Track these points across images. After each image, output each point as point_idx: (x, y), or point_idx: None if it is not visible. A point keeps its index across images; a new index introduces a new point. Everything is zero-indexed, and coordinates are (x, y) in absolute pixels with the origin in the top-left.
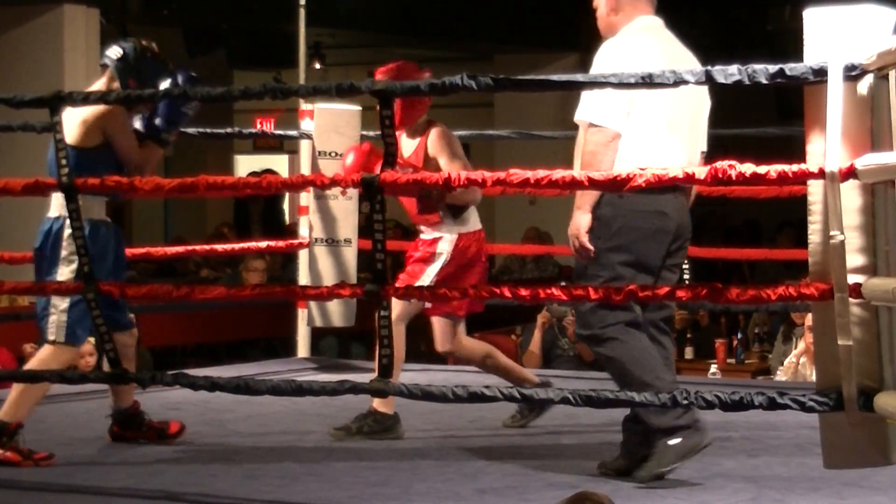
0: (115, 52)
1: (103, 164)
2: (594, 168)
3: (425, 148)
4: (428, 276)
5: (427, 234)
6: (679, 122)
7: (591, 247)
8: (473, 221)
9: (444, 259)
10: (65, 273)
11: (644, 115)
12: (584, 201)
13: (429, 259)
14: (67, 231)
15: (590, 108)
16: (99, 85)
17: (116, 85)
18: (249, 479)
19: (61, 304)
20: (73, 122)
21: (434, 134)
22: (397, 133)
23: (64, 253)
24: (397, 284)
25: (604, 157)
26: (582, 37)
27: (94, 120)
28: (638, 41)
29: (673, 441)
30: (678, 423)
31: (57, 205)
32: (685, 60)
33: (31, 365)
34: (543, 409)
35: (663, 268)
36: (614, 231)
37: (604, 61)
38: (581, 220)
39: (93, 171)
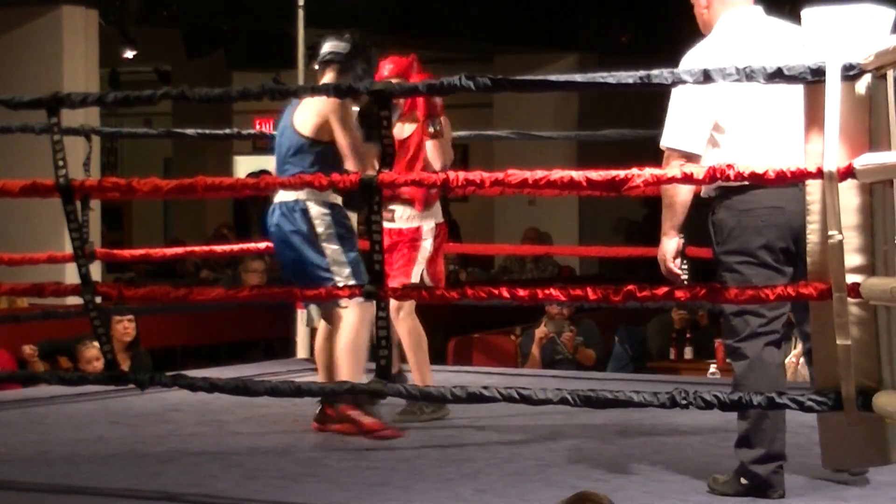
0: (339, 46)
1: (334, 157)
2: (671, 192)
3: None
4: (420, 265)
5: (409, 222)
6: (778, 124)
7: (678, 271)
8: (439, 214)
9: (430, 245)
10: (335, 251)
11: (740, 126)
12: (667, 227)
13: (415, 246)
14: (316, 210)
15: (667, 132)
16: (327, 80)
17: (343, 79)
18: (249, 479)
19: (344, 270)
20: (308, 116)
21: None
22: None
23: (321, 230)
24: (391, 278)
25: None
26: (581, 37)
27: (327, 114)
28: (719, 46)
29: (744, 481)
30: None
31: (282, 191)
32: (779, 52)
33: (345, 335)
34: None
35: (792, 259)
36: (727, 234)
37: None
38: (667, 246)
39: (329, 164)
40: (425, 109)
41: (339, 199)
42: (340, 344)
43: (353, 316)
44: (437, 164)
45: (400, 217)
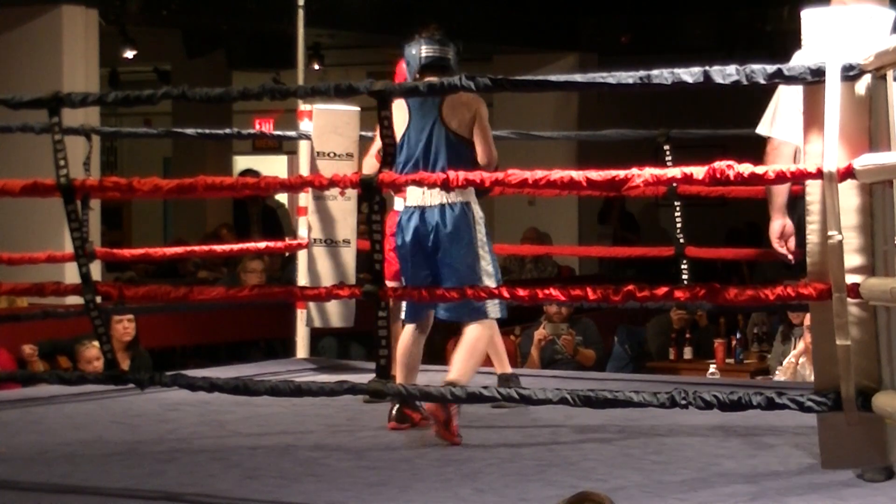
0: (447, 52)
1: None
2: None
3: None
4: None
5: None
6: None
7: (782, 251)
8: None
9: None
10: (485, 255)
11: None
12: (771, 210)
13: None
14: (473, 215)
15: (763, 120)
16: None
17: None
18: (248, 479)
19: (491, 283)
20: (461, 116)
21: None
22: None
23: (479, 236)
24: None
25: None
26: (581, 37)
27: (474, 114)
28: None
29: None
30: None
31: (438, 192)
32: None
33: (475, 346)
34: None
35: None
36: None
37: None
38: (771, 228)
39: (470, 161)
40: None
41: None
42: (466, 347)
43: (482, 329)
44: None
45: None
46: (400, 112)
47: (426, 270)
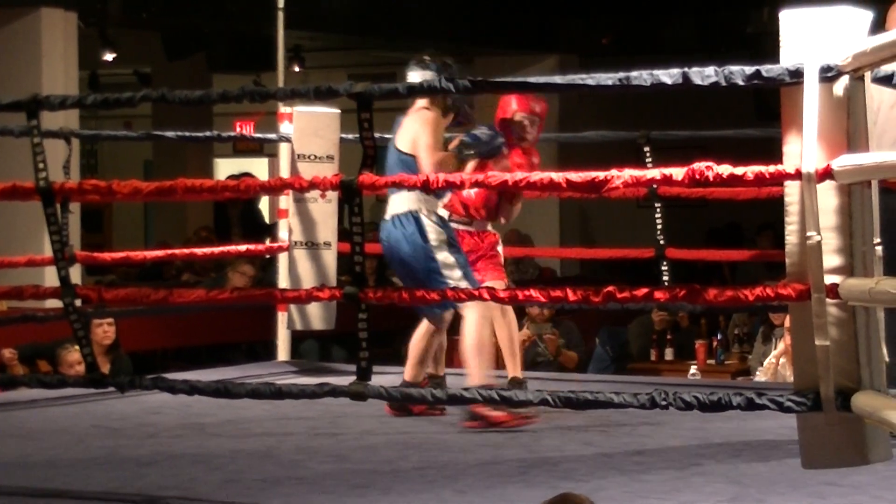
0: (427, 75)
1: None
2: None
3: None
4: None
5: (480, 227)
6: None
7: None
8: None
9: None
10: (447, 255)
11: None
12: None
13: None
14: (425, 220)
15: None
16: (421, 104)
17: (439, 101)
18: (230, 482)
19: (454, 274)
20: (409, 135)
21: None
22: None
23: (432, 237)
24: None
25: None
26: (562, 38)
27: (417, 131)
28: None
29: None
30: None
31: (402, 201)
32: None
33: (467, 336)
34: None
35: None
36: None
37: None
38: None
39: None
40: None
41: (444, 213)
42: (466, 344)
43: (473, 315)
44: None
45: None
46: None
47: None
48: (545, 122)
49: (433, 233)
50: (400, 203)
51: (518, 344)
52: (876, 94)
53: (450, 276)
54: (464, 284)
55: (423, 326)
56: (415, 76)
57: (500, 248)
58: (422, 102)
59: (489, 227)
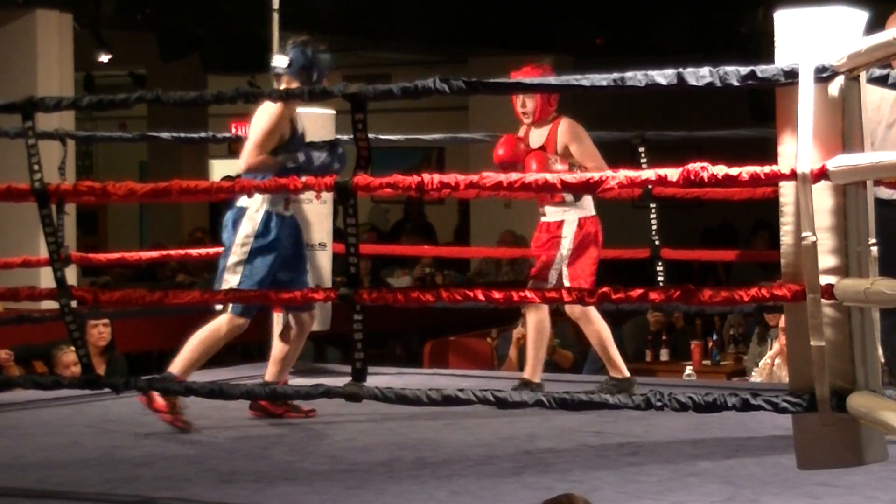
0: (282, 60)
1: None
2: None
3: (555, 136)
4: (559, 263)
5: (551, 215)
6: None
7: None
8: (590, 206)
9: (570, 242)
10: (237, 253)
11: None
12: None
13: (556, 243)
14: (247, 219)
15: None
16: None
17: (294, 86)
18: (225, 483)
19: (233, 279)
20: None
21: (564, 124)
22: (531, 126)
23: (239, 238)
24: (531, 274)
25: None
26: (556, 39)
27: (253, 122)
28: None
29: None
30: None
31: (243, 201)
32: None
33: (205, 331)
34: None
35: None
36: None
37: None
38: None
39: None
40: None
41: (286, 213)
42: (197, 335)
43: (220, 322)
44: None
45: (549, 210)
46: None
47: None
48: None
49: (245, 232)
50: (241, 200)
51: (536, 335)
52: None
53: (228, 280)
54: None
55: (281, 328)
56: (277, 60)
57: (566, 235)
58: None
59: (562, 212)
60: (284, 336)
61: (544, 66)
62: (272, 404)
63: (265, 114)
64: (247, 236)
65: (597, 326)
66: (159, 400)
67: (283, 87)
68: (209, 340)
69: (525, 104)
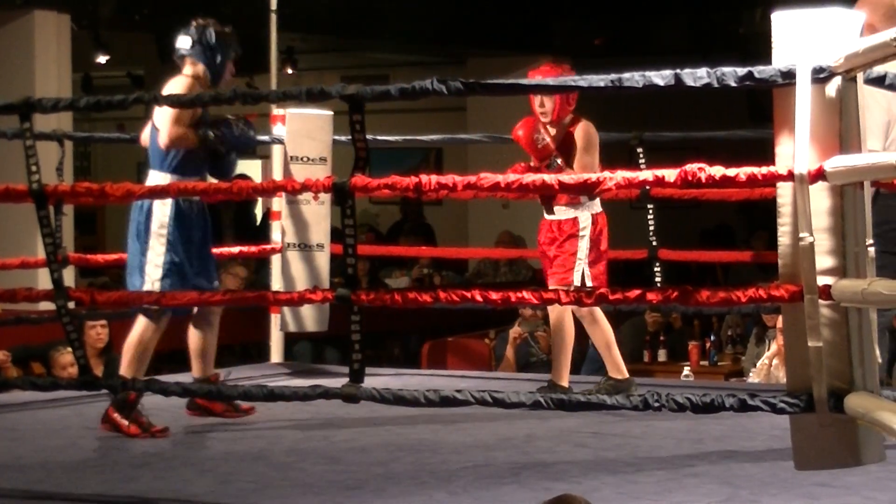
0: (185, 42)
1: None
2: None
3: (573, 139)
4: (581, 261)
5: (561, 213)
6: None
7: None
8: (598, 202)
9: (588, 237)
10: (156, 246)
11: None
12: None
13: (573, 242)
14: (157, 207)
15: None
16: (186, 71)
17: (199, 68)
18: (223, 483)
19: (154, 274)
20: None
21: (581, 129)
22: (550, 126)
23: (154, 226)
24: (552, 275)
25: None
26: (554, 39)
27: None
28: None
29: None
30: None
31: (154, 181)
32: None
33: (131, 335)
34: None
35: None
36: None
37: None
38: None
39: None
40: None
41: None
42: (127, 342)
43: (142, 323)
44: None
45: (560, 209)
46: None
47: None
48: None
49: (157, 225)
50: (150, 182)
51: (560, 337)
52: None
53: (149, 275)
54: (157, 287)
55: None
56: (179, 41)
57: (584, 233)
58: (187, 69)
59: (574, 210)
60: (196, 328)
61: (563, 66)
62: (211, 402)
63: (178, 88)
64: (161, 227)
65: (602, 327)
66: (127, 425)
67: (186, 69)
68: (142, 344)
69: (543, 104)
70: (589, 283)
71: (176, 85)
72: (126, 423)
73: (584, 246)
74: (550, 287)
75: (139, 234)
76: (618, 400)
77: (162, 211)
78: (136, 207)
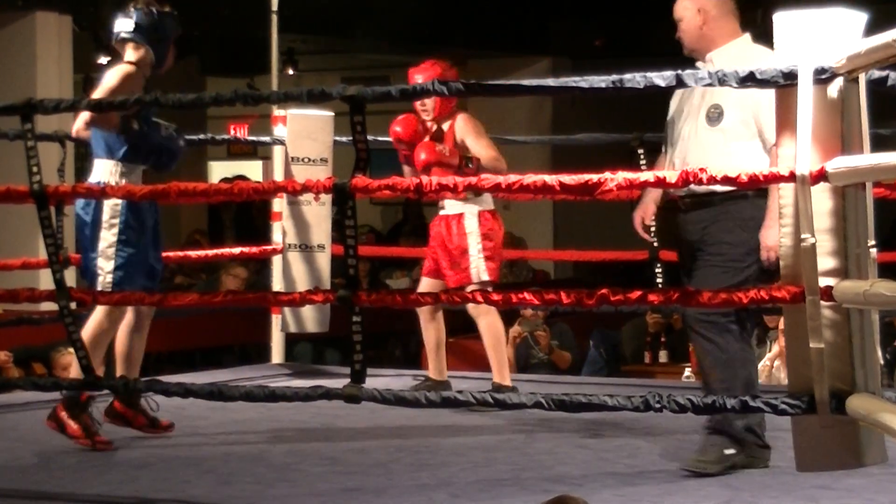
0: (126, 24)
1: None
2: None
3: (454, 132)
4: (477, 259)
5: (450, 208)
6: None
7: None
8: (489, 201)
9: (476, 233)
10: (107, 237)
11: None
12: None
13: (462, 239)
14: (105, 203)
15: None
16: (128, 57)
17: (142, 51)
18: (223, 484)
19: (107, 265)
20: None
21: (461, 120)
22: (433, 122)
23: (105, 216)
24: (448, 277)
25: None
26: (554, 41)
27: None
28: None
29: (728, 451)
30: (745, 438)
31: (98, 171)
32: None
33: (88, 326)
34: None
35: None
36: None
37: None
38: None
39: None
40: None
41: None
42: (84, 332)
43: (100, 313)
44: (499, 166)
45: (449, 203)
46: None
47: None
48: (534, 123)
49: (108, 213)
50: (96, 172)
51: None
52: None
53: (101, 268)
54: (109, 280)
55: (126, 322)
56: (119, 24)
57: (472, 231)
58: (129, 55)
59: (462, 206)
60: (125, 330)
61: (443, 63)
62: (132, 413)
63: (117, 72)
64: (113, 217)
65: (492, 318)
66: (73, 425)
67: (128, 54)
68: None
69: (424, 102)
70: (486, 277)
71: (117, 73)
72: (73, 423)
73: (473, 242)
74: (451, 287)
75: (91, 224)
76: (619, 401)
77: (112, 204)
78: (80, 201)
